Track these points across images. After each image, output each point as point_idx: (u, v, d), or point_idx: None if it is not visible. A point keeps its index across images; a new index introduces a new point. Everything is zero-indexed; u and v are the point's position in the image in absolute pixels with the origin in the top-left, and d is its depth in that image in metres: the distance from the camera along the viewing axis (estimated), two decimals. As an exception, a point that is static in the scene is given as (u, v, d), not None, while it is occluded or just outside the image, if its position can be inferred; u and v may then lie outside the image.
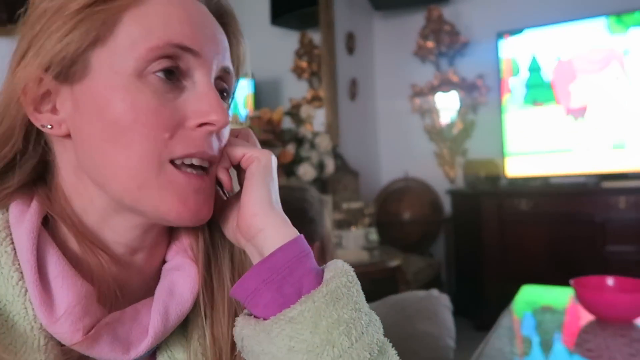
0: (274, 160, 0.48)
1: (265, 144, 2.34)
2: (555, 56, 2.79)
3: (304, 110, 2.57)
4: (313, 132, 2.56)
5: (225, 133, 0.47)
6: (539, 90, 2.84)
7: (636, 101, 2.57)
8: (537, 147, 2.82)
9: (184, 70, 0.43)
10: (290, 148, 2.35)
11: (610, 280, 1.20)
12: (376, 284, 2.04)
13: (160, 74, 0.41)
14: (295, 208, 0.98)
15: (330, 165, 2.46)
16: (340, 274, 0.42)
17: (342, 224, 2.29)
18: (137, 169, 0.41)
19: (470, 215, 2.87)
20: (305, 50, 3.17)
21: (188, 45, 0.42)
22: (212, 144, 0.44)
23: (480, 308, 2.70)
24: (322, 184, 2.54)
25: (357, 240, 2.15)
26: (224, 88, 0.48)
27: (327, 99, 2.99)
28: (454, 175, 3.32)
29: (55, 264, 0.42)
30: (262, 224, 0.43)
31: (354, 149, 3.12)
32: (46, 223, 0.44)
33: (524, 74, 2.87)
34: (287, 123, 2.62)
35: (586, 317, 1.13)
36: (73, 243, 0.45)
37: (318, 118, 2.88)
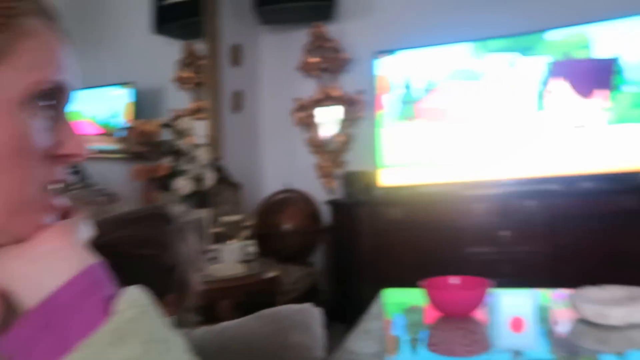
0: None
1: (139, 157, 2.29)
2: (425, 76, 3.04)
3: (183, 122, 2.53)
4: (193, 144, 2.53)
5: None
6: (410, 107, 3.08)
7: (491, 120, 2.90)
8: (409, 159, 3.06)
9: (57, 103, 0.45)
10: (167, 161, 2.31)
11: (455, 279, 1.33)
12: (253, 296, 2.07)
13: (41, 105, 0.43)
14: (144, 262, 0.81)
15: (209, 178, 2.45)
16: (124, 307, 0.40)
17: (221, 238, 2.30)
18: (13, 195, 0.41)
19: (347, 224, 3.02)
20: (190, 60, 3.13)
21: (64, 83, 0.44)
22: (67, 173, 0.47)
23: (357, 313, 2.84)
24: (201, 197, 2.52)
25: (233, 253, 2.17)
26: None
27: (209, 111, 2.97)
28: (333, 186, 3.46)
29: None
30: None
31: (236, 161, 3.12)
32: None
33: (398, 91, 3.09)
34: (168, 135, 2.57)
35: (438, 314, 1.24)
36: None
37: (200, 130, 2.85)
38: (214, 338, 1.30)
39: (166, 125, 2.55)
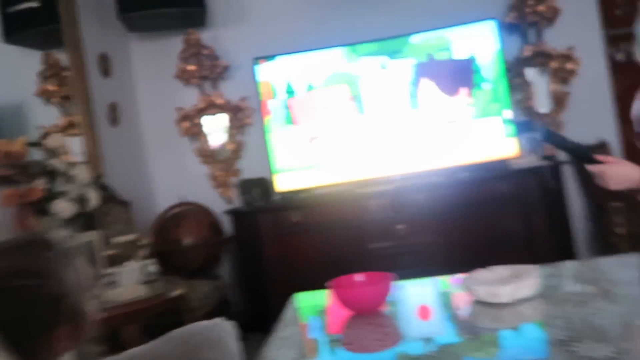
0: None
1: (5, 181, 1.99)
2: (304, 80, 3.08)
3: (54, 139, 2.26)
4: (69, 162, 2.27)
5: None
6: (292, 111, 3.10)
7: (372, 120, 3.03)
8: (301, 163, 3.07)
9: None
10: (40, 183, 2.04)
11: (360, 277, 1.33)
12: (160, 319, 1.91)
13: None
14: (23, 294, 0.74)
15: (93, 198, 2.21)
16: None
17: (116, 260, 2.08)
18: None
19: (250, 233, 2.95)
20: (53, 71, 2.81)
21: None
22: None
23: (272, 321, 2.78)
24: (86, 219, 2.27)
25: (133, 275, 1.98)
26: None
27: (83, 126, 2.70)
28: (230, 196, 3.36)
29: None
30: None
31: (122, 177, 2.89)
32: None
33: (281, 96, 3.10)
34: (38, 155, 2.27)
35: (349, 313, 1.23)
36: None
37: (75, 147, 2.57)
38: None
39: (34, 144, 2.26)
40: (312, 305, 1.47)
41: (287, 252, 2.88)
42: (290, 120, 3.09)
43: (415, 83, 3.03)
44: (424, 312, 1.32)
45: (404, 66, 3.02)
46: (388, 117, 3.04)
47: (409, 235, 2.85)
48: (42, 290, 0.75)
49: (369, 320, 1.17)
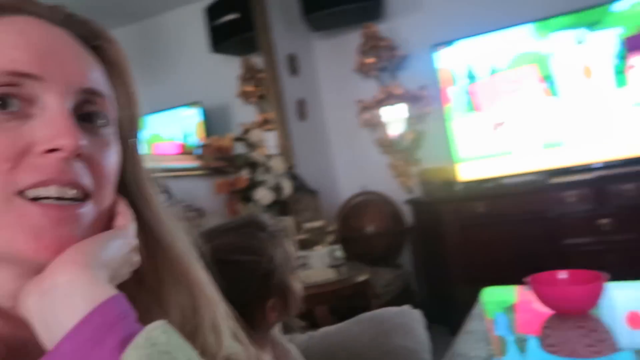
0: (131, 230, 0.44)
1: (218, 172, 2.30)
2: (488, 63, 2.90)
3: (254, 134, 2.54)
4: (266, 155, 2.52)
5: (104, 162, 0.42)
6: (475, 97, 2.94)
7: (568, 101, 2.71)
8: (485, 151, 2.91)
9: (27, 96, 0.39)
10: (245, 173, 2.30)
11: (563, 274, 1.20)
12: (347, 301, 2.01)
13: None
14: (243, 267, 0.85)
15: (287, 187, 2.43)
16: (137, 349, 0.33)
17: (306, 244, 2.26)
18: None
19: (431, 223, 2.90)
20: (250, 74, 3.16)
21: (26, 71, 0.39)
22: (72, 170, 0.39)
23: (453, 313, 2.71)
24: (281, 206, 2.50)
25: (322, 259, 2.12)
26: (93, 111, 0.43)
27: (277, 121, 2.97)
28: (410, 185, 3.36)
29: None
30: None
31: (310, 168, 3.10)
32: None
33: (462, 82, 2.97)
34: (241, 148, 2.58)
35: (547, 312, 1.13)
36: None
37: (270, 141, 2.85)
38: (317, 344, 1.25)
39: (238, 139, 2.56)
40: (500, 301, 1.39)
41: (470, 244, 2.76)
42: (472, 106, 2.95)
43: (622, 57, 2.62)
44: (634, 320, 1.14)
45: (607, 39, 2.63)
46: (587, 97, 2.68)
47: (615, 231, 2.49)
48: (257, 266, 0.84)
49: (578, 322, 1.05)
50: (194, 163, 2.24)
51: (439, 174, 3.03)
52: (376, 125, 3.48)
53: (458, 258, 2.76)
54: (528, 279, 1.18)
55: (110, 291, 0.36)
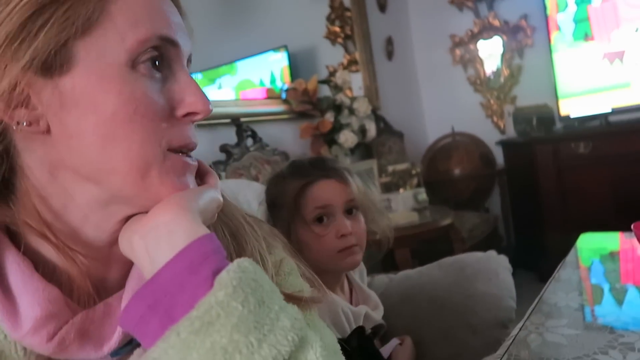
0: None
1: (303, 115, 2.34)
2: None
3: (339, 76, 2.51)
4: (351, 97, 2.50)
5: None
6: (586, 24, 2.63)
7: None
8: (592, 85, 2.64)
9: (165, 60, 0.43)
10: (329, 116, 2.32)
11: None
12: (429, 245, 2.00)
13: (149, 64, 0.41)
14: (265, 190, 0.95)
15: (372, 129, 2.41)
16: (225, 284, 0.36)
17: (389, 187, 2.26)
18: (140, 159, 0.41)
19: (524, 165, 2.74)
20: (337, 14, 3.08)
21: (170, 37, 0.42)
22: (195, 133, 0.45)
23: (542, 259, 2.60)
24: (365, 149, 2.50)
25: (406, 202, 2.11)
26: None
27: (362, 62, 2.91)
28: (503, 125, 3.17)
29: (16, 271, 0.41)
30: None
31: (396, 109, 3.04)
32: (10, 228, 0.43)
33: (572, 8, 2.66)
34: (326, 91, 2.58)
35: None
36: (43, 246, 0.43)
37: (356, 82, 2.81)
38: (397, 286, 1.26)
39: (324, 82, 2.56)
40: (598, 248, 1.30)
41: (567, 187, 2.57)
42: (581, 35, 2.65)
43: None
44: None
45: None
46: None
47: None
48: (269, 197, 0.93)
49: None
50: (280, 107, 2.29)
51: (536, 112, 2.81)
52: (469, 62, 3.28)
53: (553, 202, 2.60)
54: (634, 225, 1.09)
55: (205, 230, 0.40)
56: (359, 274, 1.11)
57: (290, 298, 0.44)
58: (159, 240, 0.39)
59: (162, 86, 0.42)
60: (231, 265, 0.38)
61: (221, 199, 0.46)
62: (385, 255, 1.80)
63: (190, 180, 0.44)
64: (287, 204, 0.90)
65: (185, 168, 0.44)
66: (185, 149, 0.44)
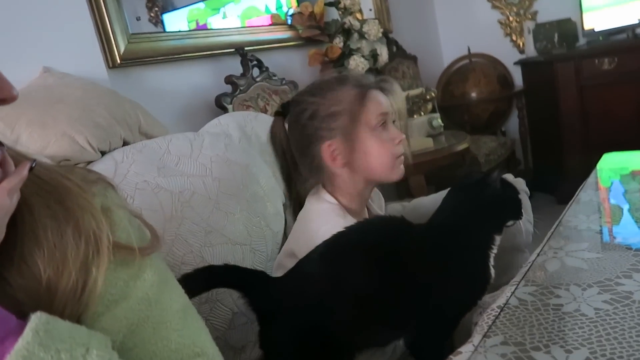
0: None
1: (311, 42, 2.23)
2: None
3: (348, -2, 2.37)
4: (361, 20, 2.37)
5: None
6: None
7: None
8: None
9: None
10: (338, 41, 2.21)
11: None
12: (445, 171, 1.97)
13: None
14: (308, 105, 0.91)
15: (383, 54, 2.30)
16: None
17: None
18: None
19: (544, 85, 2.63)
20: None
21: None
22: None
23: (561, 182, 2.56)
24: (378, 74, 2.40)
25: (420, 127, 2.05)
26: None
27: (372, -19, 2.73)
28: (522, 44, 3.01)
29: None
30: None
31: (409, 32, 2.89)
32: None
33: None
34: (334, 14, 2.45)
35: None
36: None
37: (366, 4, 2.66)
38: (410, 213, 1.24)
39: (331, 4, 2.42)
40: (619, 168, 1.25)
41: (589, 106, 2.47)
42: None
43: None
44: None
45: None
46: None
47: None
48: (319, 106, 0.90)
49: None
50: (286, 34, 2.18)
51: (559, 28, 2.65)
52: (488, -25, 3.06)
53: (573, 123, 2.51)
54: None
55: None
56: (377, 203, 1.10)
57: (122, 248, 0.43)
58: None
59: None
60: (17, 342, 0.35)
61: (7, 202, 0.39)
62: (400, 182, 1.78)
63: None
64: (346, 111, 0.89)
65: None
66: None
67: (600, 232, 0.84)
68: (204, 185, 0.98)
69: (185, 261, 0.89)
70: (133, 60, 1.45)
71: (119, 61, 1.39)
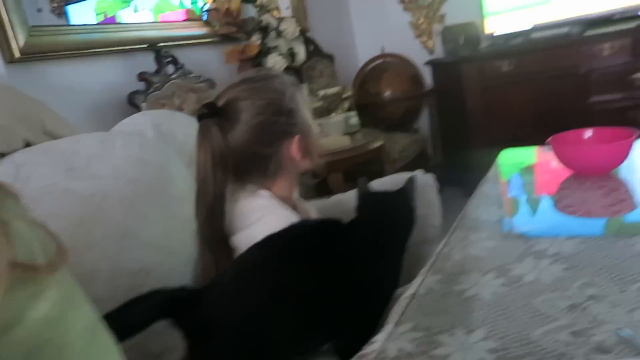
0: None
1: (227, 39, 2.20)
2: None
3: (264, -5, 2.37)
4: (278, 18, 2.38)
5: None
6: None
7: None
8: (516, 2, 2.67)
9: None
10: (255, 39, 2.20)
11: (588, 133, 1.13)
12: (362, 168, 2.03)
13: None
14: (269, 102, 0.90)
15: (301, 52, 2.33)
16: None
17: (321, 112, 2.23)
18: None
19: (452, 85, 2.79)
20: None
21: None
22: None
23: (468, 176, 2.74)
24: (295, 73, 2.42)
25: (337, 126, 2.11)
26: None
27: (289, -21, 2.75)
28: (432, 46, 3.18)
29: None
30: None
31: (326, 31, 2.94)
32: None
33: None
34: (251, 12, 2.43)
35: (566, 174, 1.09)
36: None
37: (283, 2, 2.67)
38: (330, 210, 1.28)
39: (248, 1, 2.40)
40: (517, 163, 1.37)
41: (492, 105, 2.67)
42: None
43: None
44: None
45: None
46: None
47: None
48: (281, 102, 0.91)
49: (597, 183, 1.01)
50: (202, 30, 2.14)
51: (464, 31, 2.83)
52: (398, -22, 3.19)
53: (479, 120, 2.70)
54: (550, 139, 1.13)
55: None
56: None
57: (20, 267, 0.38)
58: None
59: None
60: None
61: None
62: (319, 181, 1.81)
63: None
64: (300, 105, 0.94)
65: None
66: None
67: (500, 222, 0.92)
68: (117, 187, 0.95)
69: (97, 268, 0.86)
70: (35, 54, 1.35)
71: (18, 55, 1.30)
